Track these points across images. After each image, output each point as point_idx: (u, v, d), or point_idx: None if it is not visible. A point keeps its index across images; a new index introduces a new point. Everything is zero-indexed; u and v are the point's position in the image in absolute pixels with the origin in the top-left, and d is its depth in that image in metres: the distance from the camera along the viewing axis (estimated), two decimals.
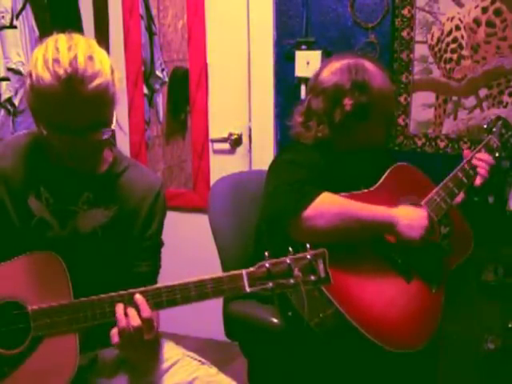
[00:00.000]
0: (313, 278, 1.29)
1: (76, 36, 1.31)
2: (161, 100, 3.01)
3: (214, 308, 1.92)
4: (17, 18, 2.58)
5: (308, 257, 1.29)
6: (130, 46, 2.93)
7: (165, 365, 1.52)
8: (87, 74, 1.23)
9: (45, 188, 1.42)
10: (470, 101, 2.36)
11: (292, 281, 1.28)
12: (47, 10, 2.68)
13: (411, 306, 1.63)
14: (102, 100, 1.28)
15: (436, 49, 2.37)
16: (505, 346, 1.88)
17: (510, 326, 1.91)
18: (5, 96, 2.58)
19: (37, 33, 2.65)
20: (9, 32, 2.57)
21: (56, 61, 1.23)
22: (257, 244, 1.80)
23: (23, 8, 2.61)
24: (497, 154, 1.83)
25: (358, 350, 1.54)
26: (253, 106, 2.73)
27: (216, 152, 2.89)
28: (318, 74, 1.80)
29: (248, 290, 1.28)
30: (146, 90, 2.98)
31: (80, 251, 1.42)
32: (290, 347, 1.66)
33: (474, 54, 2.32)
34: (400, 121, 2.46)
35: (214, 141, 2.87)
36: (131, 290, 1.30)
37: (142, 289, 1.30)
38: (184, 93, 2.91)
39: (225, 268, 1.88)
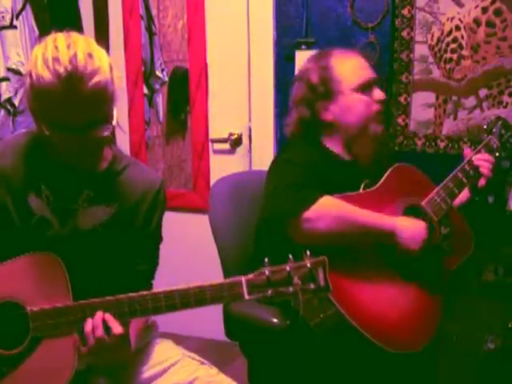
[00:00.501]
0: (312, 286, 1.28)
1: (74, 34, 1.31)
2: (161, 100, 3.01)
3: (214, 308, 1.91)
4: (17, 18, 2.58)
5: (308, 265, 1.28)
6: (129, 46, 2.93)
7: (165, 365, 1.52)
8: (87, 71, 1.24)
9: (45, 186, 1.43)
10: (470, 101, 2.36)
11: (291, 289, 1.27)
12: (47, 10, 2.68)
13: (411, 306, 1.63)
14: (102, 97, 1.28)
15: (436, 49, 2.37)
16: (505, 346, 1.88)
17: (510, 326, 1.91)
18: (5, 96, 2.58)
19: (37, 33, 2.65)
20: (9, 32, 2.57)
21: (56, 59, 1.23)
22: (257, 244, 1.80)
23: (23, 8, 2.61)
24: (497, 154, 1.83)
25: (358, 351, 1.54)
26: (253, 106, 2.73)
27: (216, 152, 2.89)
28: None
29: (247, 297, 1.27)
30: (146, 90, 2.98)
31: (80, 249, 1.42)
32: (290, 347, 1.66)
33: (474, 54, 2.32)
34: (400, 121, 2.46)
35: (213, 141, 2.87)
36: (131, 295, 1.30)
37: (142, 293, 1.30)
38: (184, 93, 2.91)
39: (225, 268, 1.88)
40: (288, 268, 1.28)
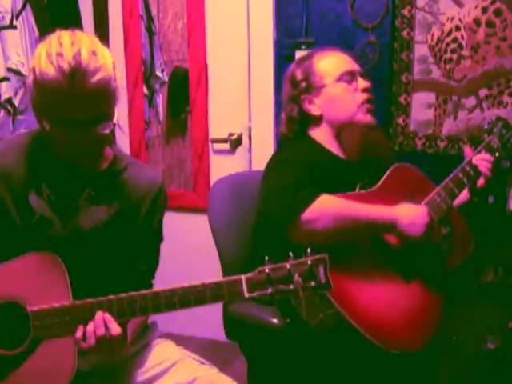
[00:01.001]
0: (313, 283, 1.28)
1: (79, 32, 1.33)
2: (161, 100, 3.01)
3: (214, 308, 1.92)
4: (17, 18, 2.58)
5: (308, 262, 1.28)
6: (129, 46, 2.93)
7: (165, 365, 1.52)
8: (90, 67, 1.25)
9: (46, 185, 1.43)
10: (470, 101, 2.36)
11: (292, 286, 1.27)
12: (47, 10, 2.68)
13: (411, 306, 1.63)
14: (104, 94, 1.29)
15: (436, 49, 2.37)
16: (505, 346, 1.88)
17: (510, 326, 1.91)
18: (5, 96, 2.58)
19: (37, 33, 2.65)
20: (9, 32, 2.57)
21: (60, 55, 1.24)
22: (255, 244, 1.80)
23: (23, 8, 2.60)
24: (497, 154, 1.83)
25: (358, 351, 1.54)
26: (253, 106, 2.73)
27: (216, 152, 2.89)
28: None
29: (247, 295, 1.27)
30: (145, 90, 2.98)
31: (81, 248, 1.42)
32: (290, 347, 1.66)
33: (473, 54, 2.32)
34: (400, 121, 2.46)
35: (213, 141, 2.87)
36: (132, 294, 1.30)
37: (142, 292, 1.30)
38: (184, 93, 2.91)
39: (225, 268, 1.88)
40: (288, 266, 1.28)
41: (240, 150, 2.83)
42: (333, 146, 1.79)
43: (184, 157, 3.01)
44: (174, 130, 3.03)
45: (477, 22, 2.29)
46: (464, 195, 1.83)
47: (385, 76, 2.44)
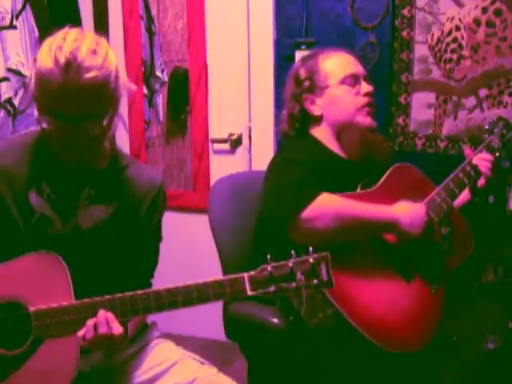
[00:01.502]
0: (315, 281, 1.28)
1: (88, 32, 1.35)
2: (161, 100, 3.01)
3: (214, 308, 1.92)
4: (17, 18, 2.58)
5: (310, 260, 1.28)
6: (129, 46, 2.93)
7: (165, 365, 1.52)
8: (85, 64, 1.26)
9: (46, 184, 1.43)
10: (470, 101, 2.36)
11: (294, 285, 1.27)
12: (47, 10, 2.68)
13: (411, 306, 1.63)
14: (97, 93, 1.30)
15: (436, 49, 2.37)
16: (505, 346, 1.88)
17: (510, 326, 1.91)
18: (5, 96, 2.58)
19: (37, 33, 2.65)
20: (9, 32, 2.57)
21: (59, 48, 1.27)
22: (256, 243, 1.80)
23: (23, 8, 2.60)
24: (497, 154, 1.83)
25: (358, 351, 1.54)
26: (253, 106, 2.73)
27: (216, 152, 2.89)
28: None
29: (250, 293, 1.27)
30: (145, 91, 2.98)
31: (81, 247, 1.42)
32: (290, 347, 1.66)
33: (473, 54, 2.32)
34: (400, 121, 2.46)
35: (213, 141, 2.87)
36: (134, 293, 1.30)
37: (144, 291, 1.31)
38: (184, 93, 2.91)
39: (225, 268, 1.88)
40: (291, 264, 1.28)
41: (240, 150, 2.83)
42: (334, 146, 1.80)
43: (184, 157, 3.01)
44: (174, 130, 3.03)
45: (477, 22, 2.29)
46: (464, 195, 1.83)
47: (385, 76, 2.44)
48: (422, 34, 2.37)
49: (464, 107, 2.37)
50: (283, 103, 1.90)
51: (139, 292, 1.30)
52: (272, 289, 1.27)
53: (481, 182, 1.78)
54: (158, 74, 2.95)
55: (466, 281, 2.00)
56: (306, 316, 1.54)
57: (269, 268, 1.28)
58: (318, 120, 1.80)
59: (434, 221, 1.69)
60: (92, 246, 1.44)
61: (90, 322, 1.28)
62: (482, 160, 1.78)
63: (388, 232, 1.64)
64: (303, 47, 2.52)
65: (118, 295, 1.30)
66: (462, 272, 1.81)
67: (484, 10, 2.28)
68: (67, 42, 1.28)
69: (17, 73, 2.58)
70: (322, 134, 1.80)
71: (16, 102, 2.59)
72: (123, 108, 2.93)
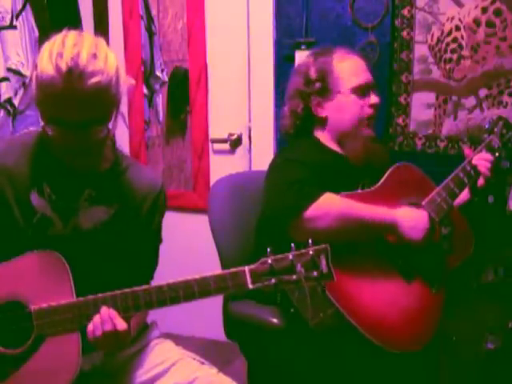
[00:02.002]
0: (315, 273, 1.28)
1: (86, 34, 1.33)
2: (161, 100, 3.01)
3: (214, 308, 1.92)
4: (17, 18, 2.58)
5: (310, 253, 1.28)
6: (129, 46, 2.93)
7: (165, 365, 1.52)
8: (87, 70, 1.25)
9: (48, 184, 1.43)
10: (470, 101, 2.36)
11: (295, 277, 1.27)
12: (47, 10, 2.68)
13: (411, 306, 1.63)
14: (101, 98, 1.29)
15: (436, 49, 2.37)
16: (505, 346, 1.88)
17: (510, 326, 1.91)
18: (5, 96, 2.58)
19: (37, 33, 2.65)
20: (9, 32, 2.57)
21: (60, 54, 1.25)
22: (257, 242, 1.80)
23: (23, 8, 2.60)
24: (497, 154, 1.83)
25: (358, 351, 1.54)
26: (253, 106, 2.73)
27: (216, 152, 2.89)
28: None
29: (251, 286, 1.28)
30: (145, 91, 2.98)
31: (81, 248, 1.42)
32: (289, 347, 1.66)
33: (473, 54, 2.32)
34: (400, 121, 2.46)
35: (213, 141, 2.87)
36: (135, 288, 1.31)
37: (146, 287, 1.31)
38: (184, 93, 2.91)
39: (224, 268, 1.87)
40: (291, 256, 1.28)
41: (240, 150, 2.83)
42: (335, 146, 1.80)
43: (184, 157, 3.01)
44: (174, 129, 3.03)
45: (477, 22, 2.29)
46: (464, 195, 1.83)
47: (385, 76, 2.44)
48: (422, 33, 2.37)
49: (464, 107, 2.37)
50: (285, 98, 1.87)
51: (140, 288, 1.31)
52: (273, 281, 1.27)
53: (480, 181, 1.78)
54: (158, 73, 2.95)
55: (465, 281, 1.99)
56: (307, 316, 1.54)
57: (269, 261, 1.28)
58: (323, 122, 1.80)
59: (435, 224, 1.69)
60: (92, 247, 1.44)
61: (97, 320, 1.28)
62: (482, 160, 1.78)
63: (389, 234, 1.64)
64: (303, 47, 2.52)
65: (120, 291, 1.30)
66: (461, 272, 1.81)
67: (484, 10, 2.28)
68: (67, 48, 1.26)
69: (17, 73, 2.58)
70: (326, 135, 1.80)
71: (16, 102, 2.60)
72: (123, 106, 2.93)
